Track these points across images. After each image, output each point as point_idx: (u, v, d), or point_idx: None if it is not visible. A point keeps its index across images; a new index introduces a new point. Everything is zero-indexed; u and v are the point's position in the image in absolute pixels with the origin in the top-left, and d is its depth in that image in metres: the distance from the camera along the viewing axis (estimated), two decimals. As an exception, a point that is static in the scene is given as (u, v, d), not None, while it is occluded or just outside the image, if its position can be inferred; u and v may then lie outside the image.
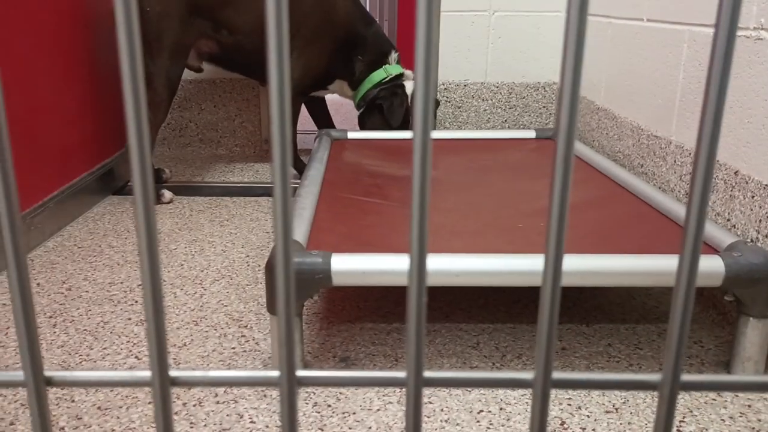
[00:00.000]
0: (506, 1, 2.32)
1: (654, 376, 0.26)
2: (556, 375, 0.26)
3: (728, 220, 1.28)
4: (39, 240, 1.72)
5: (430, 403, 1.05)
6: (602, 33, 1.99)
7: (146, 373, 0.26)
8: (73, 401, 1.05)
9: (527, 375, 0.26)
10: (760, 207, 1.17)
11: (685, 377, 0.26)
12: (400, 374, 0.26)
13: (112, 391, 1.09)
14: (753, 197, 1.20)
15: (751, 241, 1.19)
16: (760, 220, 1.17)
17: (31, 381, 0.26)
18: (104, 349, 1.22)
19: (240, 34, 2.11)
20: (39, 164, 1.74)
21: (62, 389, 1.09)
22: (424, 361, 0.25)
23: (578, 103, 0.25)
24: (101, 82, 2.11)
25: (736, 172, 1.26)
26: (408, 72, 2.25)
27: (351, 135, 2.13)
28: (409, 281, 0.25)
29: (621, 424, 1.00)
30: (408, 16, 4.84)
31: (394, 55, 2.21)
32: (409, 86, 2.23)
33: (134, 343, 1.24)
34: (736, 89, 1.26)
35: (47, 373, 0.27)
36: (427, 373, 0.26)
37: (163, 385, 0.25)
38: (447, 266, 1.07)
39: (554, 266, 0.25)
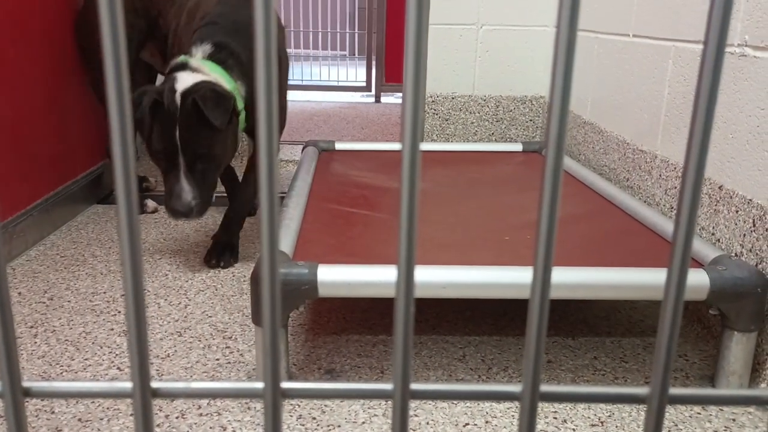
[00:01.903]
0: (494, 15, 2.34)
1: (642, 390, 0.26)
2: (544, 388, 0.25)
3: (713, 234, 1.29)
4: (21, 249, 1.70)
5: (416, 416, 1.05)
6: (589, 48, 2.00)
7: (127, 384, 0.25)
8: (53, 413, 1.04)
9: (515, 387, 0.26)
10: (744, 221, 1.18)
11: (673, 391, 0.26)
12: (387, 386, 0.26)
13: (93, 402, 1.07)
14: (737, 212, 1.21)
15: (736, 255, 1.20)
16: (744, 235, 1.18)
17: (8, 392, 0.25)
18: (86, 360, 1.20)
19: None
20: (23, 172, 1.72)
21: (42, 400, 1.07)
22: (411, 373, 0.25)
23: (567, 118, 0.25)
24: (87, 91, 2.10)
25: (720, 187, 1.27)
26: (195, 62, 1.53)
27: (338, 146, 2.13)
28: (397, 292, 0.25)
29: (606, 437, 1.00)
30: (396, 28, 4.86)
31: (202, 48, 1.56)
32: (183, 80, 1.47)
33: (116, 354, 1.22)
34: (721, 105, 1.28)
35: (25, 384, 0.26)
36: (414, 386, 0.25)
37: (144, 396, 0.25)
38: (434, 278, 1.07)
39: (543, 279, 0.25)
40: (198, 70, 1.51)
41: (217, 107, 1.42)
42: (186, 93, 1.44)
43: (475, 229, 1.37)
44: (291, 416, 1.03)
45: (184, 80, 1.46)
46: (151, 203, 2.07)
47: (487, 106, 2.41)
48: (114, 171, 0.24)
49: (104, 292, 1.48)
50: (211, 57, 1.55)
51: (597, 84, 1.94)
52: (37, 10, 1.78)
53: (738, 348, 1.07)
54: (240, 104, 1.57)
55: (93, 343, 1.26)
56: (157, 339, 1.28)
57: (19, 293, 1.47)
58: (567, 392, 0.26)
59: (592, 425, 1.03)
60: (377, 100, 4.73)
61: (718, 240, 1.27)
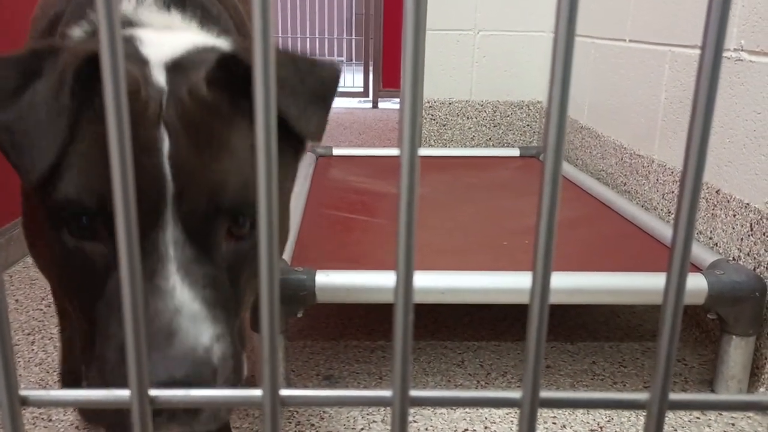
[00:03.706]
0: (491, 21, 2.34)
1: (642, 395, 0.26)
2: (544, 394, 0.25)
3: (710, 238, 1.29)
4: (19, 255, 1.70)
5: (415, 421, 1.04)
6: (586, 53, 2.01)
7: (125, 392, 0.25)
8: (50, 420, 1.03)
9: (515, 394, 0.26)
10: (742, 225, 1.18)
11: (673, 396, 0.26)
12: (386, 393, 0.26)
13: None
14: (734, 216, 1.21)
15: (733, 259, 1.20)
16: (742, 239, 1.18)
17: (5, 400, 0.25)
18: (83, 367, 1.20)
19: None
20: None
21: (40, 408, 1.07)
22: (410, 380, 0.25)
23: (566, 123, 0.25)
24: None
25: (717, 191, 1.27)
26: (141, 13, 0.66)
27: (336, 152, 2.13)
28: (396, 298, 0.25)
29: (606, 442, 1.00)
30: (393, 34, 4.87)
31: None
32: (154, 42, 0.59)
33: (114, 361, 1.22)
34: (718, 109, 1.28)
35: (22, 392, 0.26)
36: (413, 392, 0.25)
37: (142, 404, 0.24)
38: (432, 283, 1.06)
39: (542, 285, 0.25)
40: (154, 26, 0.66)
41: (312, 93, 0.58)
42: (177, 65, 0.57)
43: (473, 234, 1.37)
44: (290, 423, 1.03)
45: (157, 43, 0.60)
46: None
47: (485, 112, 2.41)
48: (112, 176, 0.24)
49: (102, 299, 1.48)
50: (166, 4, 0.69)
51: (594, 89, 1.95)
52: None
53: (737, 352, 1.07)
54: None
55: (90, 350, 1.26)
56: (155, 346, 1.27)
57: (17, 300, 1.47)
58: (567, 398, 0.26)
59: (592, 430, 1.02)
60: (374, 105, 4.73)
61: (716, 244, 1.27)
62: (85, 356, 0.51)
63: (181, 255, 0.49)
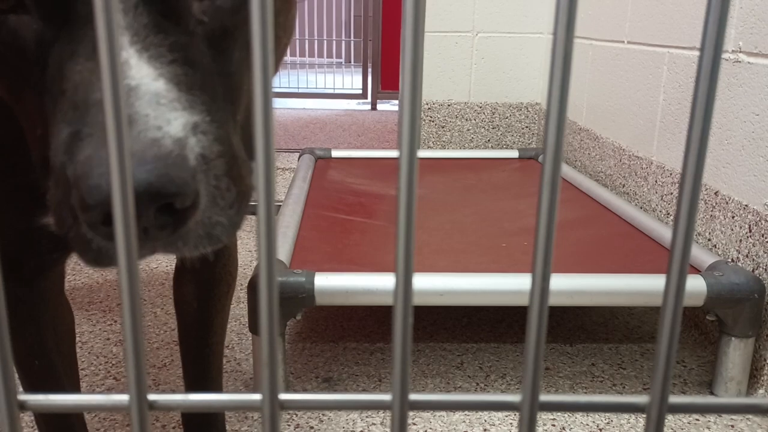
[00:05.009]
0: (489, 23, 2.34)
1: (641, 399, 0.26)
2: (544, 397, 0.25)
3: (709, 240, 1.29)
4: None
5: (414, 424, 1.04)
6: (584, 55, 2.01)
7: (123, 397, 0.25)
8: (49, 424, 1.03)
9: (514, 397, 0.26)
10: (740, 227, 1.18)
11: (673, 399, 0.26)
12: (385, 397, 0.26)
13: (89, 413, 1.06)
14: (733, 217, 1.21)
15: (732, 260, 1.20)
16: (741, 240, 1.18)
17: (3, 405, 0.25)
18: (82, 370, 1.19)
19: None
20: (18, 181, 1.71)
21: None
22: (409, 383, 0.25)
23: (565, 125, 0.25)
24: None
25: (716, 193, 1.27)
26: None
27: (335, 153, 2.13)
28: (395, 301, 0.25)
29: (605, 444, 1.00)
30: (391, 36, 4.88)
31: None
32: None
33: (113, 364, 1.21)
34: (716, 111, 1.28)
35: (21, 397, 0.26)
36: (413, 396, 0.25)
37: (141, 409, 0.24)
38: (431, 285, 1.06)
39: (541, 289, 0.25)
40: None
41: None
42: None
43: (472, 235, 1.37)
44: (288, 425, 1.03)
45: None
46: None
47: (483, 113, 2.41)
48: (110, 178, 0.24)
49: (100, 302, 1.48)
50: None
51: (592, 90, 1.95)
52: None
53: (736, 354, 1.07)
54: None
55: (89, 353, 1.25)
56: (154, 348, 1.27)
57: (15, 303, 1.47)
58: (567, 402, 0.26)
59: (591, 432, 1.02)
60: (373, 107, 4.73)
61: (715, 246, 1.27)
62: (43, 168, 0.40)
63: (133, 21, 0.37)
